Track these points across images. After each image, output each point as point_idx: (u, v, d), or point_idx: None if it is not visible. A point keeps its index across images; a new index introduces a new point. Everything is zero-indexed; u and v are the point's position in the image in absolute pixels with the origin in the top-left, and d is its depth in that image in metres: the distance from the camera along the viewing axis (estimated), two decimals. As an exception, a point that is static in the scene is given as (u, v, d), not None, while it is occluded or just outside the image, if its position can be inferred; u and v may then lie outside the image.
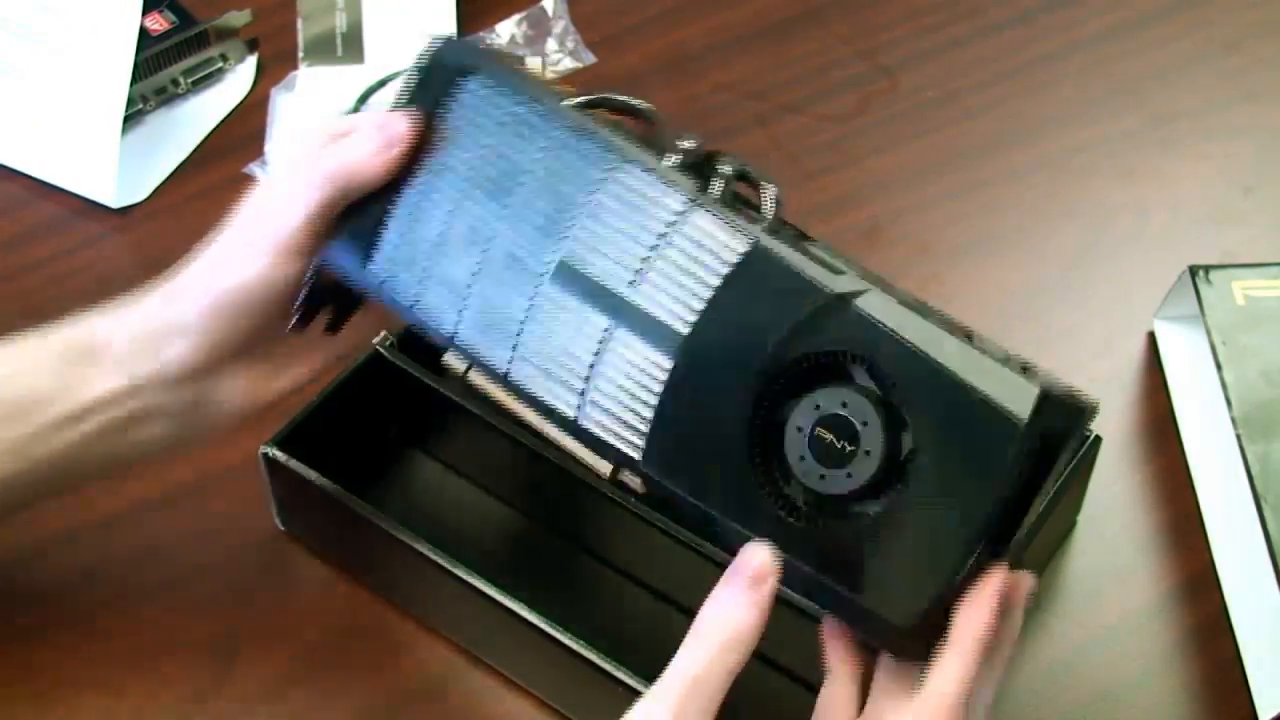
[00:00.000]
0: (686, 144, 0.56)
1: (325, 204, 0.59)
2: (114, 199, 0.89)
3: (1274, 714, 0.67)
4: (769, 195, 0.56)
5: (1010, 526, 0.50)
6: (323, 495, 0.68)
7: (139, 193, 0.90)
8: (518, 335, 0.56)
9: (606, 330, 0.55)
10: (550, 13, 0.98)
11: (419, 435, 0.76)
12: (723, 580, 0.52)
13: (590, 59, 0.97)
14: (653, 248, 0.54)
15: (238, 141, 0.93)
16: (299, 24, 0.99)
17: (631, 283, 0.54)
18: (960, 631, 0.51)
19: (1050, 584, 0.73)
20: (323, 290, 0.62)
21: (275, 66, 0.97)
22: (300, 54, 0.97)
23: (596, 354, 0.55)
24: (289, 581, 0.73)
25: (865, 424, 0.51)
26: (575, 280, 0.55)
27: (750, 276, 0.53)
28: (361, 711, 0.68)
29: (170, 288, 0.63)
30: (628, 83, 0.96)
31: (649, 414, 0.54)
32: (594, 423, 0.55)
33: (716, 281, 0.53)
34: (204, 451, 0.75)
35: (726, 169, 0.56)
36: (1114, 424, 0.78)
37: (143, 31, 0.91)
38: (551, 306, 0.56)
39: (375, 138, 0.59)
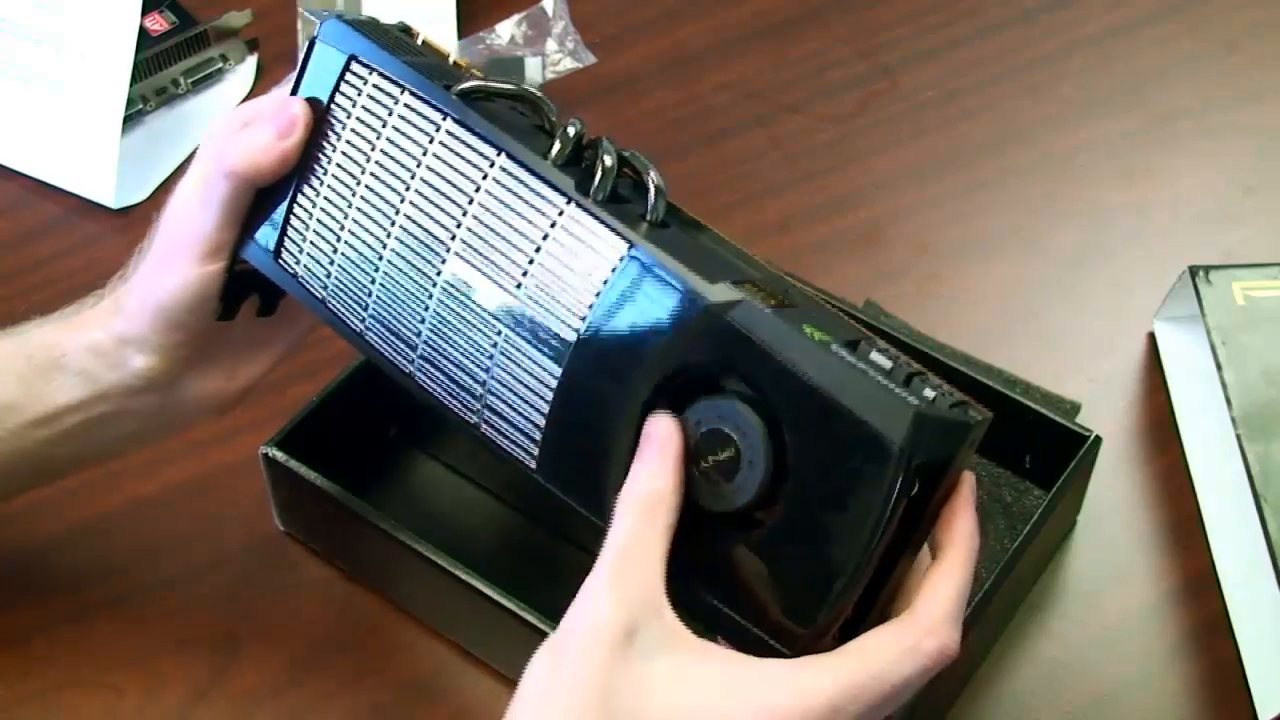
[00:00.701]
0: (571, 129, 0.54)
1: (232, 199, 0.59)
2: (114, 199, 0.89)
3: (1274, 714, 0.67)
4: (652, 184, 0.53)
5: (899, 546, 0.49)
6: (323, 495, 0.68)
7: (139, 193, 0.90)
8: (419, 337, 0.55)
9: (499, 334, 0.53)
10: (550, 13, 0.98)
11: (419, 435, 0.76)
12: (634, 459, 0.51)
13: (590, 59, 0.97)
14: (536, 249, 0.53)
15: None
16: (299, 24, 0.99)
17: (519, 286, 0.53)
18: (953, 538, 0.50)
19: (1050, 584, 0.73)
20: (243, 278, 0.62)
21: (275, 66, 0.97)
22: (300, 54, 0.97)
23: (491, 359, 0.54)
24: (289, 581, 0.73)
25: (744, 435, 0.49)
26: (467, 280, 0.54)
27: (629, 282, 0.51)
28: (361, 711, 0.68)
29: (117, 300, 0.63)
30: (627, 83, 0.97)
31: (541, 422, 0.53)
32: (494, 430, 0.54)
33: (598, 287, 0.51)
34: (204, 451, 0.76)
35: (608, 160, 0.53)
36: (1114, 424, 0.78)
37: (143, 31, 0.91)
38: (447, 309, 0.55)
39: (270, 127, 0.58)
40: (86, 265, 0.87)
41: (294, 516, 0.73)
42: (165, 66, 0.94)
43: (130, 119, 0.91)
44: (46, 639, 0.70)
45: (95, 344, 0.62)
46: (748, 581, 0.50)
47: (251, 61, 0.97)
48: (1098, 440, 0.70)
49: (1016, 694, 0.69)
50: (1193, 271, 0.78)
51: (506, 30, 0.97)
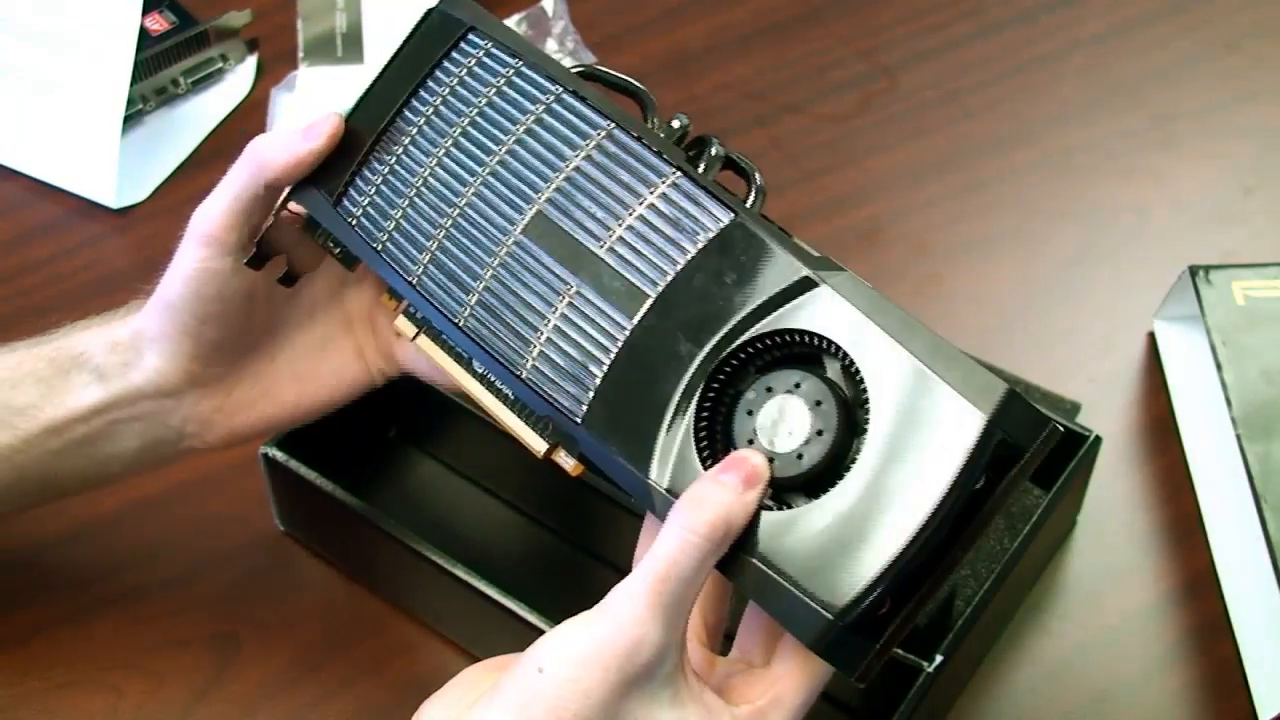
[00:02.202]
0: (675, 124, 0.56)
1: (245, 191, 0.60)
2: (114, 199, 0.89)
3: (1274, 714, 0.67)
4: (756, 183, 0.55)
5: (956, 530, 0.48)
6: (323, 495, 0.68)
7: (139, 193, 0.91)
8: (479, 285, 0.56)
9: (570, 286, 0.54)
10: (550, 13, 0.98)
11: (419, 435, 0.76)
12: (715, 470, 0.50)
13: (590, 59, 0.97)
14: (632, 211, 0.54)
15: (238, 141, 0.91)
16: (299, 24, 0.99)
17: (605, 243, 0.54)
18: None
19: (1050, 584, 0.73)
20: (281, 236, 0.62)
21: (275, 66, 0.97)
22: (300, 54, 0.98)
23: (555, 308, 0.54)
24: (289, 581, 0.73)
25: (819, 404, 0.50)
26: (548, 235, 0.55)
27: (726, 249, 0.52)
28: (361, 711, 0.68)
29: (144, 301, 0.63)
30: (628, 83, 0.97)
31: (599, 373, 0.53)
32: (541, 376, 0.54)
33: (692, 250, 0.53)
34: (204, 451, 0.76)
35: (714, 151, 0.56)
36: (1114, 424, 0.78)
37: (143, 31, 0.91)
38: (518, 258, 0.55)
39: (299, 132, 0.60)
40: (86, 265, 0.88)
41: (294, 516, 0.73)
42: (165, 66, 0.94)
43: (130, 119, 0.91)
44: (46, 639, 0.70)
45: (115, 339, 0.63)
46: (796, 547, 0.49)
47: (251, 61, 0.97)
48: (1098, 440, 0.70)
49: (1016, 694, 0.69)
50: (1193, 271, 0.78)
51: (506, 30, 0.97)
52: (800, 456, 0.50)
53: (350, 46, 0.98)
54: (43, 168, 0.91)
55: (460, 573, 0.65)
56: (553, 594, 0.67)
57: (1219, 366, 0.74)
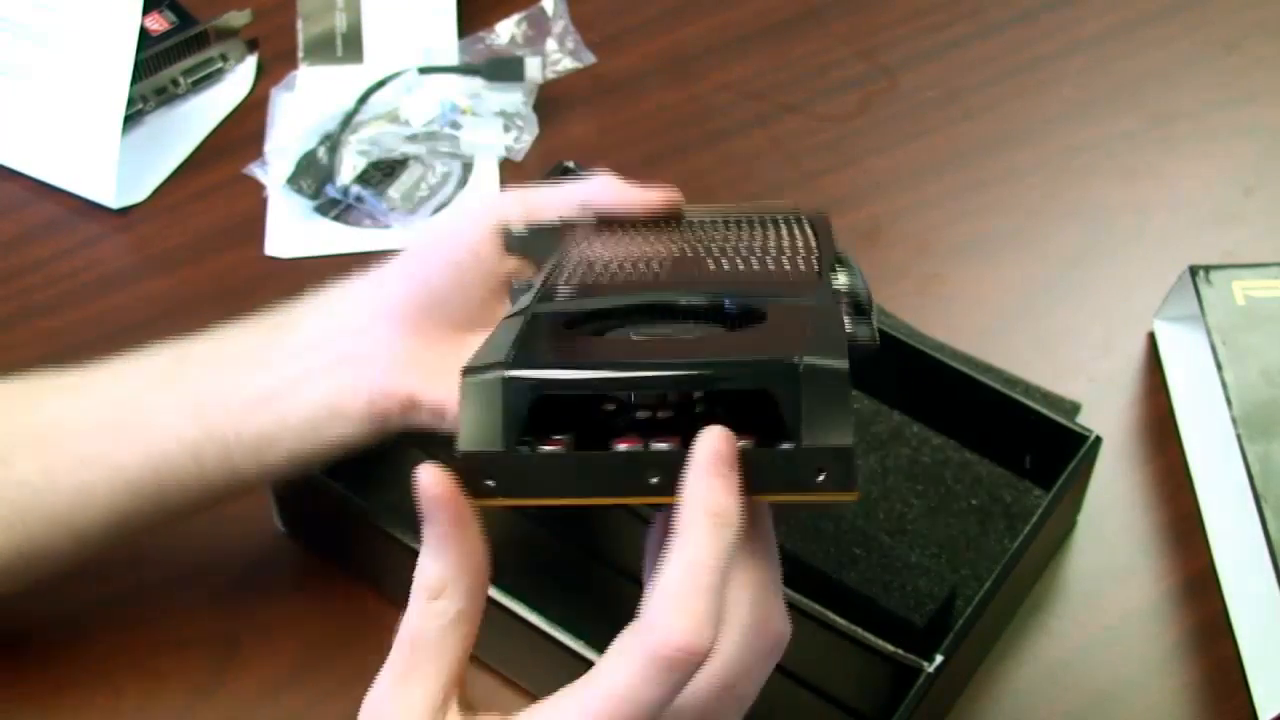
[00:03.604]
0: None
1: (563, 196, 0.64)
2: (114, 199, 0.89)
3: (1274, 714, 0.67)
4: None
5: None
6: (323, 495, 0.68)
7: (139, 193, 0.91)
8: None
9: None
10: (550, 13, 0.98)
11: (419, 435, 0.76)
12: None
13: (590, 59, 0.97)
14: None
15: (238, 141, 0.93)
16: (299, 24, 0.99)
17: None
18: (684, 513, 0.44)
19: (1050, 584, 0.73)
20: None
21: (275, 66, 0.97)
22: (300, 54, 0.98)
23: None
24: (289, 581, 0.73)
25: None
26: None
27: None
28: (361, 711, 0.68)
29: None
30: (627, 83, 0.97)
31: None
32: None
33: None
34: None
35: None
36: (1114, 424, 0.78)
37: (143, 31, 0.91)
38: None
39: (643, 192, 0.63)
40: (86, 265, 0.88)
41: (294, 516, 0.73)
42: (165, 66, 0.94)
43: (130, 119, 0.91)
44: (46, 639, 0.70)
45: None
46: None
47: (251, 61, 0.97)
48: (1098, 440, 0.70)
49: (1016, 694, 0.69)
50: (1193, 271, 0.78)
51: (506, 30, 0.97)
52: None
53: (350, 46, 0.98)
54: (43, 168, 0.91)
55: (460, 573, 0.65)
56: (552, 594, 0.67)
57: (1219, 366, 0.74)
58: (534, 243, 0.62)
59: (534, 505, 0.48)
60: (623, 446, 0.46)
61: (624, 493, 0.46)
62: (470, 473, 0.47)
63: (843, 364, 0.45)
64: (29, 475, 0.62)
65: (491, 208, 0.63)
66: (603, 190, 0.63)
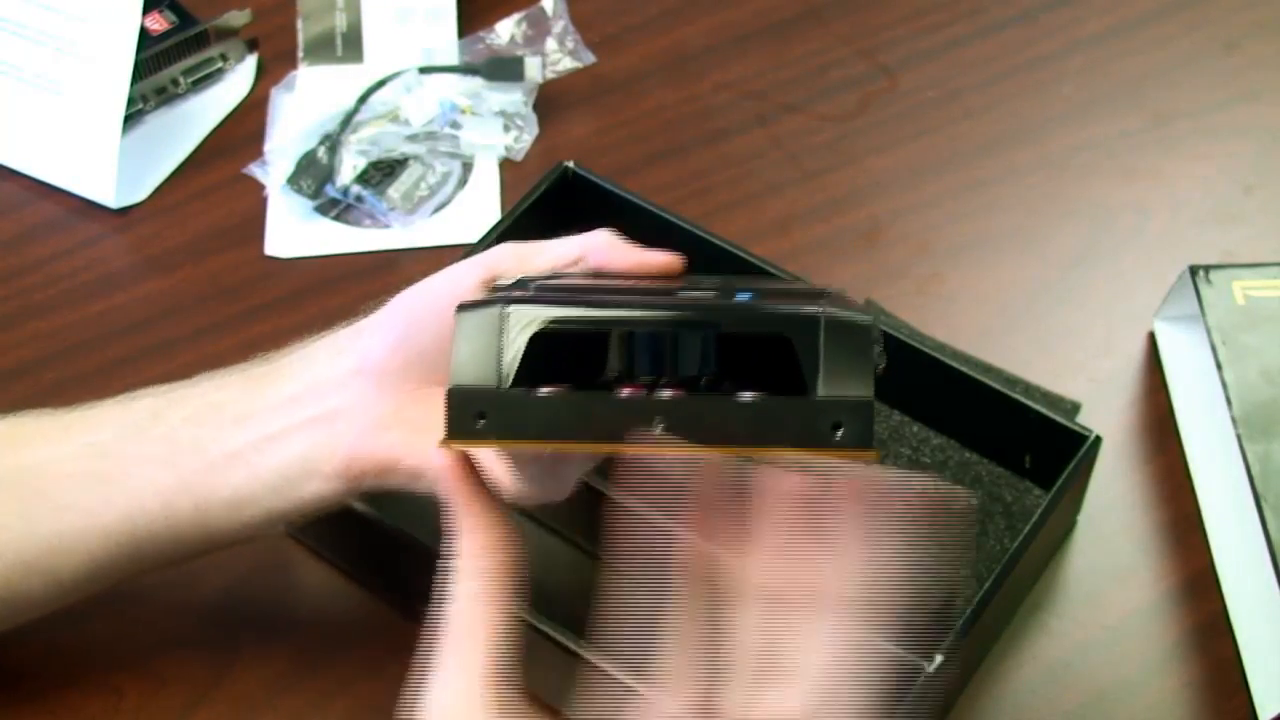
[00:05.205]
0: None
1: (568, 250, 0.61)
2: (114, 199, 0.89)
3: (1274, 714, 0.67)
4: None
5: None
6: (323, 495, 0.68)
7: (139, 193, 0.91)
8: None
9: None
10: (550, 13, 0.98)
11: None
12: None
13: (590, 59, 0.97)
14: None
15: (238, 141, 0.93)
16: (299, 24, 0.99)
17: None
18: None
19: (1050, 584, 0.73)
20: None
21: (275, 66, 0.97)
22: (300, 54, 0.98)
23: None
24: (289, 581, 0.73)
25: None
26: None
27: None
28: (361, 711, 0.68)
29: None
30: (627, 83, 0.97)
31: None
32: None
33: None
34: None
35: None
36: (1114, 424, 0.78)
37: (143, 31, 0.91)
38: None
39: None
40: (86, 265, 0.88)
41: (294, 516, 0.73)
42: (165, 66, 0.94)
43: (130, 119, 0.91)
44: (46, 639, 0.70)
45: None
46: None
47: (251, 61, 0.97)
48: (1098, 440, 0.70)
49: (1016, 694, 0.69)
50: (1193, 271, 0.78)
51: (506, 30, 0.97)
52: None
53: (350, 46, 0.98)
54: (43, 168, 0.91)
55: (460, 573, 0.65)
56: (553, 594, 0.67)
57: (1219, 366, 0.74)
58: None
59: (527, 448, 0.45)
60: (627, 392, 0.43)
61: (627, 439, 0.43)
62: (459, 410, 0.44)
63: (866, 319, 0.43)
64: (7, 520, 0.62)
65: (483, 262, 0.61)
66: (600, 247, 0.60)
